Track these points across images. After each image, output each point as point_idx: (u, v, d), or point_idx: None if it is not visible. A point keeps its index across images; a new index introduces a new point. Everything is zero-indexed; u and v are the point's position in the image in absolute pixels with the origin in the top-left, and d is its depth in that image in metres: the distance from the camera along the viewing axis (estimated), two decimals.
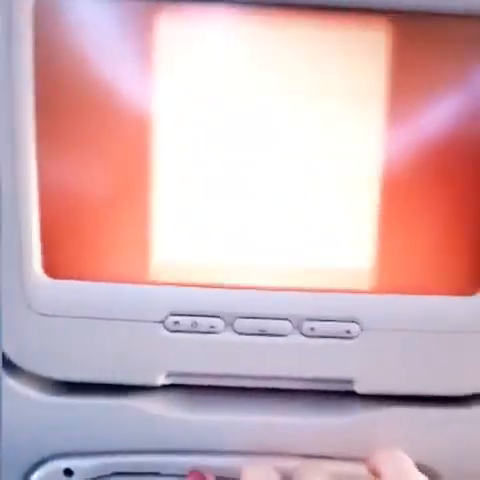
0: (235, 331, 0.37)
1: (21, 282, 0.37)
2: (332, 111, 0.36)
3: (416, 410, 0.39)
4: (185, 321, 0.37)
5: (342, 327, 0.37)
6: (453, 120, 0.36)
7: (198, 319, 0.37)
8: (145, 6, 0.34)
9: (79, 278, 0.37)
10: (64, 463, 0.39)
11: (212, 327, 0.37)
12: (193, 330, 0.37)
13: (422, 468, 0.35)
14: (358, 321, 0.37)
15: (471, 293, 0.38)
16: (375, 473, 0.36)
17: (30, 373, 0.38)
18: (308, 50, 0.35)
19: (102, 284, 0.37)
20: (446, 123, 0.36)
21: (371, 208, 0.37)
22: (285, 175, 0.37)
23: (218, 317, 0.37)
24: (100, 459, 0.39)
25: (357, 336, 0.38)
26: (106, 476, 0.40)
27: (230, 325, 0.37)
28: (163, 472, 0.40)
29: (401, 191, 0.37)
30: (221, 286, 0.38)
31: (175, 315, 0.37)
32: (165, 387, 0.39)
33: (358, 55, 0.35)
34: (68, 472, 0.39)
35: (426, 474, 0.34)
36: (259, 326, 0.37)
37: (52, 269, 0.37)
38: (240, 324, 0.37)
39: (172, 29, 0.35)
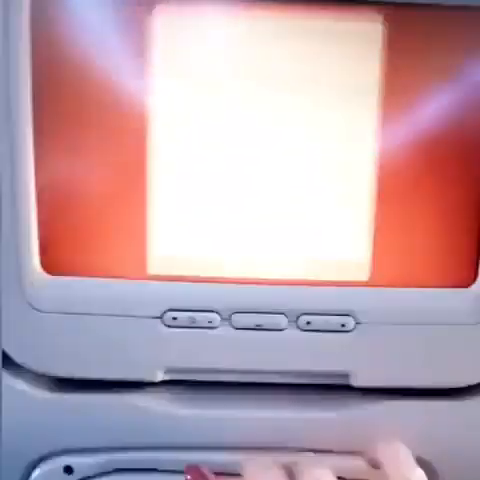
0: (232, 326, 0.38)
1: (20, 279, 0.37)
2: (328, 104, 0.36)
3: (414, 403, 0.39)
4: (183, 316, 0.37)
5: (338, 321, 0.37)
6: (449, 112, 0.36)
7: (196, 314, 0.37)
8: (142, 3, 0.35)
9: (77, 275, 0.38)
10: (64, 460, 0.39)
11: (210, 322, 0.37)
12: (191, 325, 0.38)
13: (419, 462, 0.35)
14: (354, 315, 0.38)
15: (467, 285, 0.38)
16: (374, 465, 0.36)
17: (29, 370, 0.38)
18: (304, 43, 0.35)
19: (100, 280, 0.38)
20: (442, 115, 0.36)
21: (367, 202, 0.37)
22: (281, 170, 0.37)
23: (215, 312, 0.38)
24: (100, 456, 0.39)
25: (353, 330, 0.38)
26: (106, 473, 0.40)
27: (227, 320, 0.38)
28: (163, 468, 0.40)
29: (397, 184, 0.37)
30: (218, 281, 0.38)
31: (173, 311, 0.37)
32: (164, 383, 0.39)
33: (353, 47, 0.35)
34: (68, 469, 0.39)
35: (423, 468, 0.34)
36: (255, 321, 0.38)
37: (51, 266, 0.37)
38: (237, 319, 0.38)
39: (169, 26, 0.35)
